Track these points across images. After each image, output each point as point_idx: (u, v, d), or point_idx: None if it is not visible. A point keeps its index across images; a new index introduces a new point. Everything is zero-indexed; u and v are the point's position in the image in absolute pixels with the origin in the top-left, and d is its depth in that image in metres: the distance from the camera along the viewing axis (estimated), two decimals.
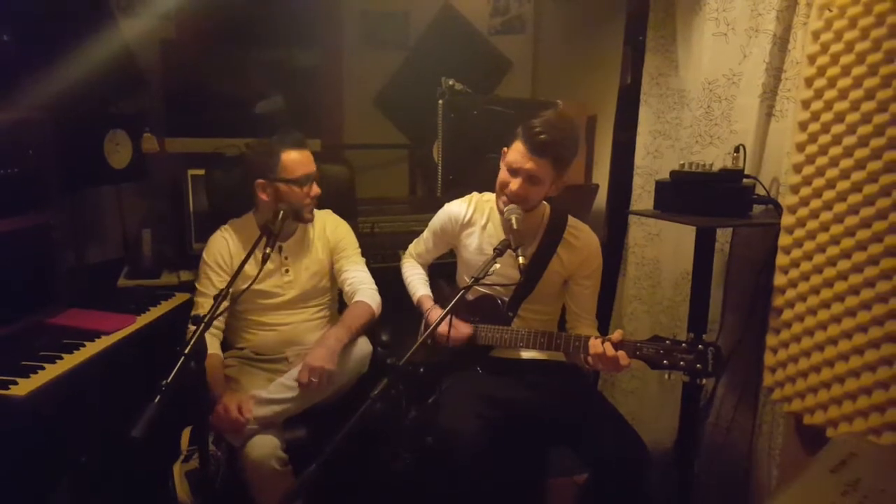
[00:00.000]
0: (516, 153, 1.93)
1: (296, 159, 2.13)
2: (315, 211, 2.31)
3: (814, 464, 1.64)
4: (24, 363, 1.78)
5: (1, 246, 1.99)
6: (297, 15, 3.11)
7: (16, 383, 1.68)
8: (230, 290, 1.71)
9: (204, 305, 2.13)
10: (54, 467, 2.00)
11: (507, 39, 3.75)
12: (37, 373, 1.75)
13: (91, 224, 2.86)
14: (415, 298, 2.27)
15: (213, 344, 2.10)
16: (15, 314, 2.04)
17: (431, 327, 1.65)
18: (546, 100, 2.89)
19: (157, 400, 1.32)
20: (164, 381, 1.37)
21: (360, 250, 2.36)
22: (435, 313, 2.16)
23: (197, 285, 2.21)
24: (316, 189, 2.19)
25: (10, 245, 2.02)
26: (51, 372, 1.77)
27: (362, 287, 2.23)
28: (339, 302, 2.39)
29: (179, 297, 2.36)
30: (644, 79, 2.64)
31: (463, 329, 2.05)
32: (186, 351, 1.44)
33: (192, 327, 2.04)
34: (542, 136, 1.87)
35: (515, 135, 1.95)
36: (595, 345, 1.81)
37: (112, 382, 2.03)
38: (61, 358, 1.84)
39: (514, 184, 1.92)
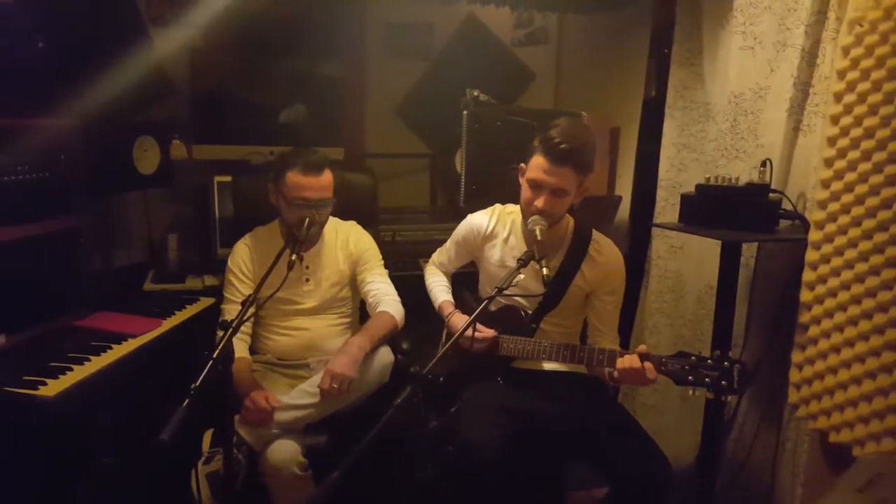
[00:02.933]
0: (537, 169, 1.91)
1: (298, 182, 2.08)
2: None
3: (840, 483, 1.62)
4: (52, 364, 1.81)
5: (31, 249, 2.02)
6: (322, 26, 3.15)
7: (45, 384, 1.71)
8: (257, 295, 1.72)
9: (230, 312, 2.18)
10: (79, 467, 2.02)
11: (531, 51, 3.77)
12: (65, 374, 1.78)
13: (118, 228, 2.90)
14: (436, 304, 2.27)
15: (241, 348, 2.14)
16: (44, 316, 2.07)
17: (455, 335, 1.65)
18: (570, 111, 2.90)
19: (185, 404, 1.33)
20: (192, 385, 1.38)
21: (383, 262, 2.36)
22: (456, 318, 2.15)
23: (224, 293, 2.26)
24: (315, 217, 2.09)
25: (39, 248, 2.06)
26: (79, 373, 1.80)
27: (386, 298, 2.23)
28: (362, 311, 2.40)
29: (204, 302, 2.39)
30: (669, 91, 2.63)
31: (487, 332, 2.04)
32: (215, 355, 1.45)
33: (221, 332, 2.08)
34: (562, 146, 1.85)
35: (532, 149, 1.93)
36: (623, 360, 1.79)
37: (138, 384, 2.06)
38: (89, 360, 1.87)
39: (541, 200, 1.90)
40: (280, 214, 2.22)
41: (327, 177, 2.14)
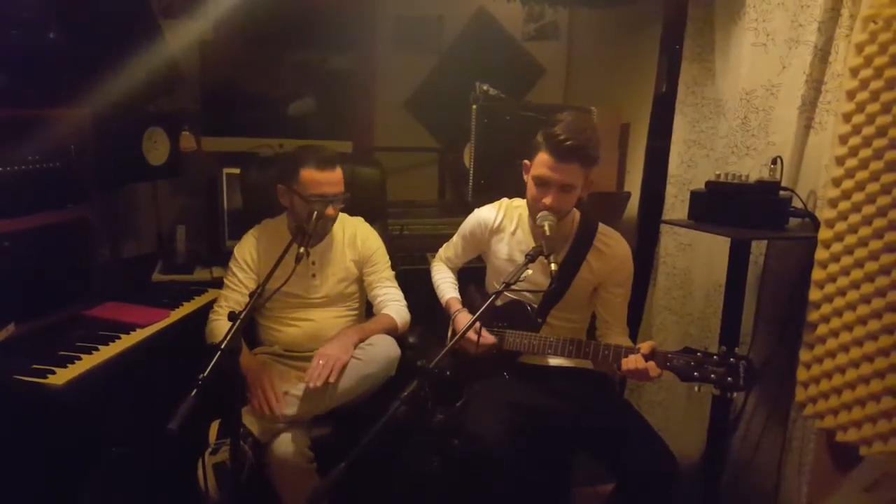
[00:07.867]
0: (543, 166, 1.90)
1: (314, 178, 2.09)
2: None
3: (846, 482, 1.62)
4: (62, 353, 1.83)
5: (41, 239, 2.04)
6: (331, 19, 3.15)
7: (54, 373, 1.72)
8: (264, 287, 1.73)
9: (225, 298, 2.20)
10: (88, 456, 2.04)
11: (541, 45, 3.76)
12: (74, 363, 1.79)
13: (127, 219, 2.92)
14: (443, 301, 2.28)
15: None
16: (54, 306, 2.09)
17: (461, 332, 1.66)
18: (580, 106, 2.89)
19: (193, 394, 1.34)
20: (200, 376, 1.39)
21: (390, 263, 2.37)
22: (462, 316, 2.16)
23: (224, 279, 2.27)
24: (331, 211, 2.13)
25: (50, 238, 2.08)
26: (87, 362, 1.81)
27: (392, 304, 2.27)
28: (368, 304, 2.41)
29: (212, 294, 2.40)
30: (680, 87, 2.61)
31: (488, 338, 2.05)
32: (223, 346, 1.45)
33: (214, 317, 2.10)
34: (567, 143, 1.85)
35: (536, 145, 1.92)
36: (627, 361, 1.79)
37: (146, 374, 2.07)
38: (98, 349, 1.89)
39: (548, 198, 1.90)
40: (291, 213, 2.20)
41: (339, 171, 2.15)
